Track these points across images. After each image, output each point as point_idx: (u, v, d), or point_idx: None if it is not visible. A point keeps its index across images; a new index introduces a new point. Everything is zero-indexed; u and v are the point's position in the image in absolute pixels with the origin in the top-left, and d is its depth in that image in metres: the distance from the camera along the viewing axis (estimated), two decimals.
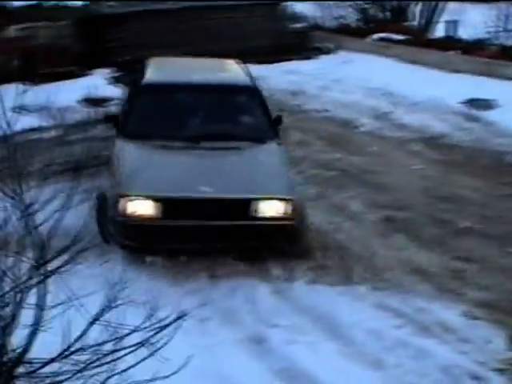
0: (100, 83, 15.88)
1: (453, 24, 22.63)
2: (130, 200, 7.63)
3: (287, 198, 7.98)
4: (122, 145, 8.57)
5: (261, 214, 7.85)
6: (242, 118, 9.38)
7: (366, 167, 11.72)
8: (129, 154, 8.31)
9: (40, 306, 4.19)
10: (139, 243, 7.78)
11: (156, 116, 9.29)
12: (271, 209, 7.95)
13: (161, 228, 7.75)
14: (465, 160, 12.35)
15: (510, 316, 7.29)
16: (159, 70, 10.42)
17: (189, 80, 9.67)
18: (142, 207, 7.68)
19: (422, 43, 20.50)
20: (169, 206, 7.69)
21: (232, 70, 10.44)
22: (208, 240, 7.76)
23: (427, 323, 7.08)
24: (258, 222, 7.82)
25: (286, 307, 7.28)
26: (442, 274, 8.17)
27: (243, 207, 7.68)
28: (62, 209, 4.18)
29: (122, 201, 7.60)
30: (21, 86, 9.07)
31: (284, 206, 7.99)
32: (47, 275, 4.16)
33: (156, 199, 7.64)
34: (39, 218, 4.13)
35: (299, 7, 25.47)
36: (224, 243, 7.81)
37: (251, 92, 9.52)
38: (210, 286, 7.61)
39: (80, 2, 21.52)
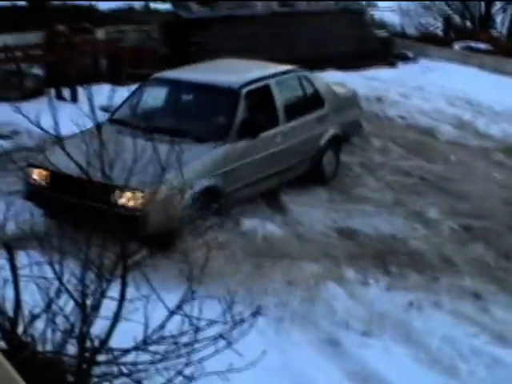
0: None
1: None
2: (35, 169, 8.73)
3: (138, 189, 7.86)
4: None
5: (119, 202, 7.71)
6: (205, 117, 9.70)
7: (446, 175, 11.67)
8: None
9: (121, 298, 4.35)
10: (37, 206, 8.72)
11: (142, 108, 10.09)
12: (125, 198, 7.99)
13: (47, 196, 8.70)
14: None
15: None
16: (184, 68, 11.33)
17: (185, 78, 10.30)
18: (40, 176, 8.73)
19: (506, 52, 20.26)
20: (54, 178, 8.51)
21: (248, 72, 10.57)
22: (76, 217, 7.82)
23: (504, 332, 7.06)
24: (113, 209, 7.78)
25: (361, 311, 7.32)
26: None
27: (105, 193, 7.55)
28: None
29: (28, 169, 8.76)
30: (109, 87, 9.38)
31: (134, 196, 8.03)
32: (129, 268, 4.32)
33: (47, 171, 8.51)
34: None
35: (383, 14, 25.47)
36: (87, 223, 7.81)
37: (230, 94, 9.57)
38: (285, 287, 7.69)
39: (167, 6, 21.92)
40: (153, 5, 24.86)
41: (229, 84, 9.76)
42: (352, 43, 20.27)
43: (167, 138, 8.28)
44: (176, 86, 10.23)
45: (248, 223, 9.11)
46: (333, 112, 11.00)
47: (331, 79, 16.91)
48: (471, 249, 8.95)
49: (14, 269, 4.55)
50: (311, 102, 10.80)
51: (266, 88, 9.99)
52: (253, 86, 9.81)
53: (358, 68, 18.69)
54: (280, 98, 10.06)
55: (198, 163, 8.68)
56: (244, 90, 9.57)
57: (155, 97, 10.35)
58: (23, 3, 21.60)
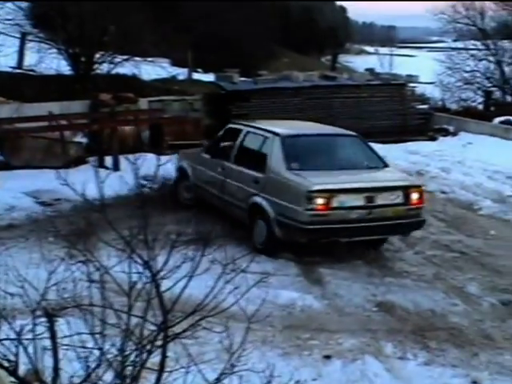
0: None
1: None
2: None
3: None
4: None
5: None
6: None
7: (486, 250, 11.62)
8: None
9: (160, 369, 4.37)
10: None
11: None
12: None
13: None
14: None
15: None
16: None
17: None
18: None
19: None
20: None
21: None
22: None
23: None
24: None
25: None
26: None
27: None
28: (187, 276, 4.37)
29: None
30: (153, 157, 9.54)
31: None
32: (169, 339, 4.34)
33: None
34: (165, 284, 4.34)
35: (424, 89, 25.66)
36: None
37: None
38: (323, 361, 7.65)
39: (210, 77, 22.26)
40: (195, 76, 25.34)
41: None
42: (392, 116, 20.47)
43: None
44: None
45: (286, 295, 9.13)
46: None
47: None
48: (510, 325, 8.84)
49: (53, 337, 4.58)
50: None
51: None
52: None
53: (398, 141, 18.79)
54: None
55: None
56: None
57: None
58: (69, 72, 22.03)
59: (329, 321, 8.68)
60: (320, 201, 10.27)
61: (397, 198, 10.69)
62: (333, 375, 7.33)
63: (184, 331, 4.29)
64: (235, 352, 4.18)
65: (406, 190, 10.77)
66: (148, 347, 4.37)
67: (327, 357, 7.72)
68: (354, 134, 12.19)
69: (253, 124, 12.55)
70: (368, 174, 11.24)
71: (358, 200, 10.45)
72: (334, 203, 10.31)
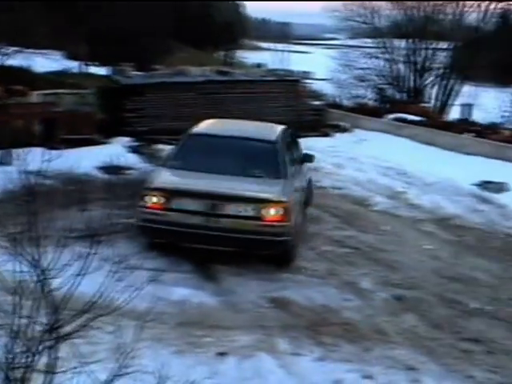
0: (120, 152, 16.02)
1: (467, 107, 23.02)
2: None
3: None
4: None
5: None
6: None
7: (379, 245, 11.78)
8: None
9: (50, 371, 4.24)
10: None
11: None
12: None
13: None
14: (476, 242, 12.44)
15: None
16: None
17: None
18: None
19: (437, 125, 20.74)
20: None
21: None
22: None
23: None
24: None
25: (294, 382, 7.26)
26: (450, 353, 8.16)
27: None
28: (78, 274, 4.26)
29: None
30: (43, 151, 9.30)
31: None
32: (59, 339, 4.22)
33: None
34: (55, 282, 4.21)
35: (318, 85, 25.91)
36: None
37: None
38: (217, 359, 7.61)
39: (104, 71, 21.96)
40: (91, 69, 24.96)
41: None
42: (286, 112, 20.54)
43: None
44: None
45: (180, 292, 9.05)
46: None
47: None
48: (403, 319, 8.98)
49: None
50: None
51: None
52: None
53: None
54: None
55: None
56: None
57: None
58: None
59: (223, 318, 8.63)
60: (154, 199, 10.09)
61: (246, 210, 10.02)
62: (227, 373, 7.28)
63: (75, 331, 4.17)
64: (126, 352, 4.07)
65: (261, 203, 10.04)
66: (36, 348, 4.24)
67: (221, 354, 7.68)
68: (271, 140, 11.56)
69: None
70: (229, 182, 10.41)
71: (199, 205, 10.02)
72: (173, 205, 10.05)
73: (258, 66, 29.92)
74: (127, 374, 4.08)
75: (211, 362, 7.47)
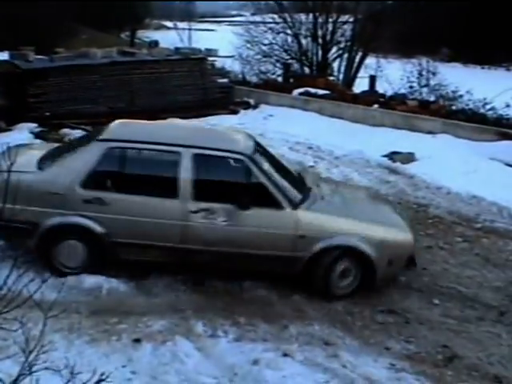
0: (25, 138, 15.57)
1: (373, 79, 23.24)
2: None
3: None
4: None
5: None
6: None
7: None
8: None
9: None
10: None
11: None
12: None
13: None
14: None
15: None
16: None
17: None
18: None
19: (345, 98, 20.86)
20: None
21: None
22: None
23: (353, 376, 7.11)
24: None
25: (211, 366, 7.18)
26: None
27: None
28: None
29: None
30: None
31: None
32: None
33: None
34: None
35: (224, 62, 25.77)
36: None
37: None
38: (133, 345, 7.47)
39: (3, 55, 21.35)
40: None
41: None
42: (193, 91, 20.40)
43: None
44: None
45: (91, 280, 8.85)
46: None
47: None
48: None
49: None
50: None
51: None
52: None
53: (200, 116, 18.75)
54: None
55: None
56: None
57: None
58: None
59: (137, 303, 8.49)
60: None
61: None
62: (143, 359, 7.18)
63: None
64: (36, 345, 3.90)
65: None
66: None
67: (137, 340, 7.55)
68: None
69: None
70: None
71: None
72: None
73: (154, 42, 29.62)
74: (32, 373, 3.91)
75: (126, 349, 7.35)
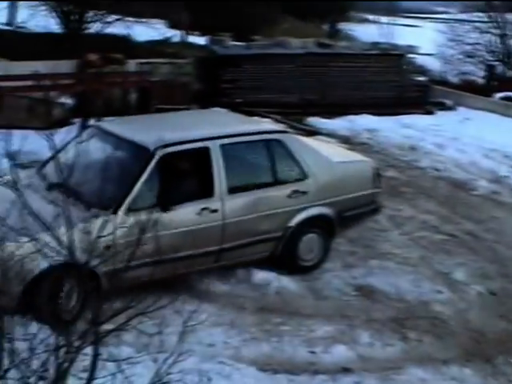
0: None
1: None
2: None
3: None
4: None
5: None
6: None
7: (478, 233, 11.06)
8: None
9: (92, 369, 3.89)
10: None
11: None
12: None
13: None
14: None
15: None
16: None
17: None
18: None
19: None
20: None
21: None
22: None
23: None
24: None
25: None
26: None
27: None
28: None
29: None
30: None
31: None
32: (101, 335, 3.85)
33: None
34: None
35: (424, 60, 25.08)
36: None
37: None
38: (293, 347, 7.19)
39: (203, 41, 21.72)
40: (191, 39, 24.76)
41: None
42: (388, 88, 19.84)
43: None
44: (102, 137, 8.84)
45: (261, 275, 8.64)
46: (322, 187, 9.08)
47: (364, 125, 16.66)
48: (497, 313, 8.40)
49: None
50: (280, 173, 8.90)
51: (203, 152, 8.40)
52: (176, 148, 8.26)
53: (393, 114, 18.22)
54: (221, 165, 8.38)
55: None
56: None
57: None
58: (60, 30, 21.57)
59: (304, 305, 8.22)
60: None
61: None
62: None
63: (115, 329, 3.79)
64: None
65: None
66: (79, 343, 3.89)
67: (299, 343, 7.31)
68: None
69: None
70: None
71: None
72: None
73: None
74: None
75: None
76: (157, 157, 7.94)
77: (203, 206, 8.13)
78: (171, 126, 9.04)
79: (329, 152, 9.69)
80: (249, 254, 8.65)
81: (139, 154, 8.12)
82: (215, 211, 8.21)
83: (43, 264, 6.50)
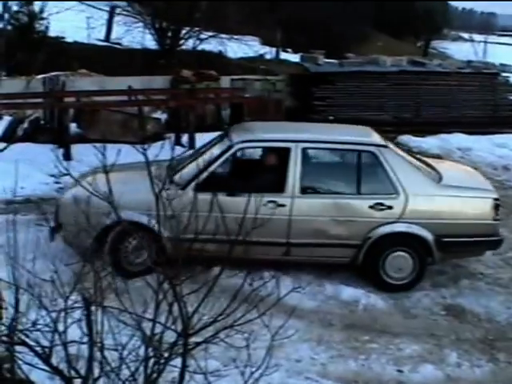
0: None
1: None
2: None
3: None
4: None
5: None
6: None
7: None
8: None
9: (180, 381, 3.99)
10: None
11: None
12: None
13: None
14: None
15: None
16: None
17: None
18: None
19: None
20: None
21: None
22: None
23: None
24: None
25: None
26: None
27: None
28: None
29: None
30: None
31: None
32: (189, 349, 3.95)
33: None
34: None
35: None
36: None
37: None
38: (380, 365, 7.17)
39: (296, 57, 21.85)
40: (283, 56, 24.95)
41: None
42: (481, 107, 19.65)
43: None
44: None
45: (349, 292, 8.67)
46: (414, 206, 8.93)
47: (457, 144, 16.46)
48: None
49: (89, 325, 4.24)
50: (365, 184, 9.00)
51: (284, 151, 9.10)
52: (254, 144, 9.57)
53: (486, 133, 17.96)
54: (299, 165, 8.93)
55: None
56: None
57: None
58: (155, 46, 21.99)
59: (392, 323, 8.17)
60: None
61: None
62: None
63: (204, 342, 3.88)
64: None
65: None
66: (166, 355, 3.99)
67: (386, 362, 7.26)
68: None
69: None
70: None
71: None
72: None
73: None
74: None
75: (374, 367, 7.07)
76: (233, 149, 9.11)
77: (271, 199, 8.62)
78: (274, 129, 10.21)
79: (448, 175, 9.62)
80: (323, 256, 8.95)
81: (225, 146, 9.26)
82: (283, 206, 8.78)
83: (112, 218, 7.26)
